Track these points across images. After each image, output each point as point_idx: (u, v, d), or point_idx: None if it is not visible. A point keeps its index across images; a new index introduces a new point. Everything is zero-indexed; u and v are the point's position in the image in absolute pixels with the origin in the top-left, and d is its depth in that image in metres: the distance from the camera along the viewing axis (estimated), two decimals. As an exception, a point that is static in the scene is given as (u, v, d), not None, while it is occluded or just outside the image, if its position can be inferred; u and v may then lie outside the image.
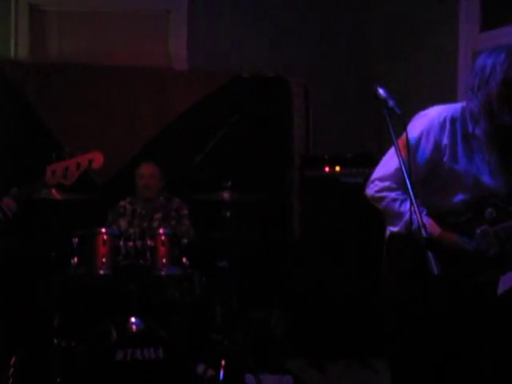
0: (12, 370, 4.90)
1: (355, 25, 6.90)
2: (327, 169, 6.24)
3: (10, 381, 4.85)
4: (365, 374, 5.74)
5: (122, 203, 6.00)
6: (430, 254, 2.52)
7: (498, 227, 3.08)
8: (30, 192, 4.17)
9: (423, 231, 2.58)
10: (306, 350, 6.02)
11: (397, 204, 3.27)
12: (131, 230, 5.70)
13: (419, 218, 2.63)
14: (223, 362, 5.08)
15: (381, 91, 3.05)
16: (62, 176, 4.12)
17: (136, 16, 6.85)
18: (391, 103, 2.98)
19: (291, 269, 6.40)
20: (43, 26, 6.69)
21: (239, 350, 5.41)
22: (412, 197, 2.69)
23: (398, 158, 2.79)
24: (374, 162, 6.12)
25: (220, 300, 5.45)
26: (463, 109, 3.24)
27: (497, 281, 3.06)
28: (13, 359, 4.96)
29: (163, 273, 5.12)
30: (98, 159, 4.17)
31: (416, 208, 2.66)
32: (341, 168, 6.22)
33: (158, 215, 5.94)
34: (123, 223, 5.88)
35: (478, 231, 3.11)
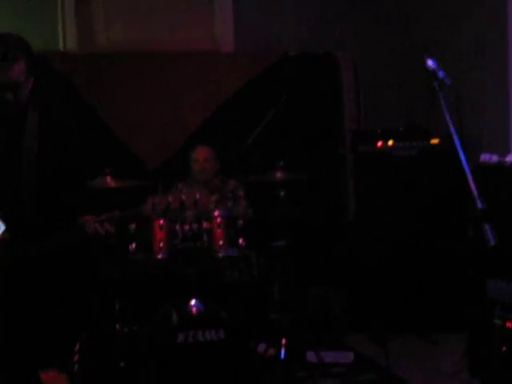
0: (76, 355, 4.99)
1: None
2: (380, 143, 6.18)
3: (75, 367, 4.93)
4: (425, 347, 5.71)
5: (179, 185, 6.04)
6: (486, 226, 2.50)
7: None
8: (123, 220, 4.04)
9: (478, 202, 2.56)
10: (365, 325, 6.02)
11: None
12: (188, 212, 5.75)
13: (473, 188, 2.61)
14: (284, 341, 5.10)
15: (430, 62, 3.02)
16: (162, 211, 3.93)
17: (181, 1, 6.85)
18: (441, 74, 2.96)
19: (347, 245, 6.38)
20: (89, 15, 6.74)
21: (299, 328, 5.43)
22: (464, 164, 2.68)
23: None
24: (426, 134, 6.13)
25: (278, 279, 5.47)
26: None
27: None
28: (77, 345, 5.04)
29: (220, 255, 5.13)
30: (203, 199, 3.98)
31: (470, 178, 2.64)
32: (393, 142, 6.16)
33: (214, 197, 5.95)
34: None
35: None
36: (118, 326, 5.00)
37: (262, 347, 5.23)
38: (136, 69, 6.52)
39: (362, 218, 6.33)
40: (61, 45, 6.55)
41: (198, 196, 3.99)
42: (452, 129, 2.82)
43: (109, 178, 5.14)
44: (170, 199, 3.93)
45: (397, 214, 6.10)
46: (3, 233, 3.69)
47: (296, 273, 5.53)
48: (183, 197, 3.95)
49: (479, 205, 2.56)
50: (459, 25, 6.24)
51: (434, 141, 6.01)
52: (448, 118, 2.86)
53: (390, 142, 6.16)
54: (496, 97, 5.74)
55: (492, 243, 2.47)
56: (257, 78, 6.67)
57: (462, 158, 2.72)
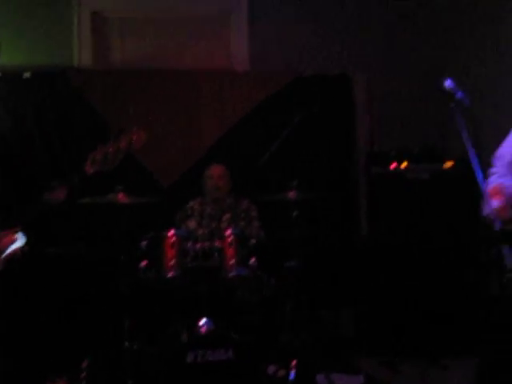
0: (84, 373, 4.95)
1: (416, 19, 6.80)
2: (393, 165, 6.15)
3: (83, 383, 4.90)
4: (435, 372, 5.65)
5: (190, 204, 6.02)
6: (505, 248, 2.47)
7: None
8: (70, 183, 4.08)
9: (497, 224, 2.53)
10: (376, 349, 5.96)
11: (488, 187, 3.23)
12: (200, 231, 5.74)
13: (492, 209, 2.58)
14: (294, 362, 5.05)
15: (448, 83, 3.00)
16: (102, 163, 4.03)
17: (197, 19, 6.87)
18: (459, 95, 2.94)
19: (360, 267, 6.34)
20: (105, 32, 6.78)
21: (310, 350, 5.38)
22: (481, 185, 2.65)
23: None
24: (440, 156, 6.11)
25: (289, 300, 5.43)
26: None
27: None
28: (85, 362, 5.01)
29: (232, 274, 5.11)
30: (139, 138, 4.07)
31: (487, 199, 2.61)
32: (407, 164, 6.13)
33: (227, 216, 5.94)
34: (192, 224, 5.90)
35: None
36: (126, 344, 4.96)
37: (271, 368, 5.18)
38: (151, 86, 6.54)
39: (375, 240, 6.29)
40: (76, 60, 6.56)
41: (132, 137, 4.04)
42: (469, 150, 2.79)
43: (121, 195, 5.12)
44: (109, 149, 3.98)
45: (410, 236, 6.06)
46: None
47: (308, 294, 5.49)
48: (119, 143, 4.01)
49: (497, 227, 2.52)
50: (478, 45, 6.22)
51: (448, 164, 5.99)
52: (465, 138, 2.83)
53: (404, 164, 6.13)
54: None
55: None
56: (271, 97, 6.65)
57: (480, 180, 2.68)
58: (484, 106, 3.33)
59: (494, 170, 3.39)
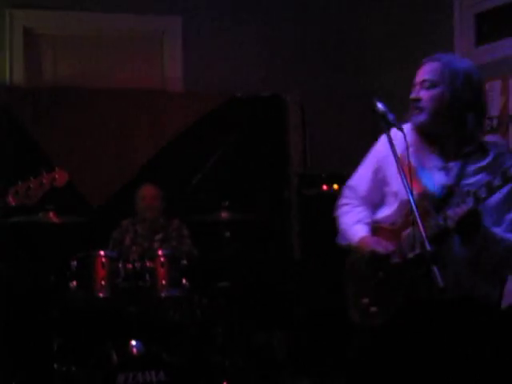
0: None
1: (351, 38, 6.90)
2: (325, 187, 6.22)
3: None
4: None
5: (124, 223, 5.98)
6: (434, 268, 2.50)
7: (418, 228, 2.80)
8: None
9: (427, 245, 2.56)
10: (308, 371, 5.97)
11: (342, 217, 3.39)
12: (134, 248, 5.71)
13: (422, 232, 2.61)
14: (225, 384, 5.05)
15: (379, 105, 3.03)
16: (24, 196, 4.05)
17: (130, 39, 6.84)
18: (391, 117, 2.98)
19: (292, 288, 6.36)
20: (38, 49, 6.68)
21: (241, 372, 5.37)
22: (415, 213, 2.68)
23: (402, 178, 2.80)
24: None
25: (221, 321, 5.42)
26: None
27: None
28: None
29: (163, 294, 5.09)
30: (61, 177, 4.10)
31: (419, 222, 2.65)
32: (338, 186, 6.19)
33: (159, 236, 5.92)
34: (127, 240, 5.87)
35: (403, 234, 3.04)
36: (56, 366, 4.89)
37: (203, 390, 5.17)
38: (83, 105, 6.45)
39: (307, 261, 6.32)
40: (7, 77, 6.46)
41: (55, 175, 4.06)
42: (401, 172, 2.82)
43: (51, 214, 5.06)
44: (30, 184, 4.00)
45: (341, 257, 6.08)
46: None
47: (240, 315, 5.48)
48: (42, 179, 4.02)
49: (428, 247, 2.55)
50: (408, 70, 6.31)
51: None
52: (396, 160, 2.86)
53: (335, 186, 6.19)
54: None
55: (441, 285, 2.47)
56: (205, 118, 6.64)
57: (412, 201, 2.72)
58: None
59: (345, 201, 3.41)
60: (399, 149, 2.96)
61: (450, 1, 5.96)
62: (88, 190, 6.38)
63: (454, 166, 2.98)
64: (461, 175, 2.97)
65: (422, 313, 2.99)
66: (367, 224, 3.25)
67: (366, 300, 3.12)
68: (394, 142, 2.95)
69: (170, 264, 5.15)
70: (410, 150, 2.97)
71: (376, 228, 3.22)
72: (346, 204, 3.40)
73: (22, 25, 6.54)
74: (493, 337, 3.02)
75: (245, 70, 6.84)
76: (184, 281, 5.14)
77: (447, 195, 2.97)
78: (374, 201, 3.32)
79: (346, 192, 3.44)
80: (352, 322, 3.25)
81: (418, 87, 3.10)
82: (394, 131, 3.02)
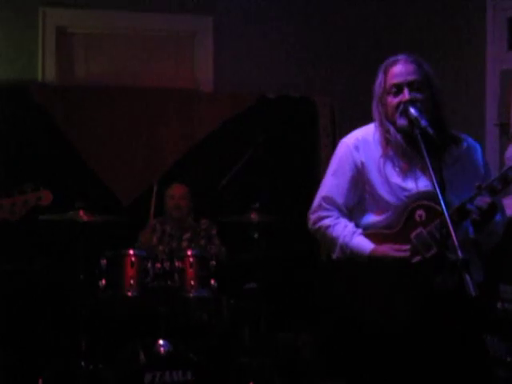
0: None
1: (382, 40, 6.86)
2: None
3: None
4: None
5: (152, 221, 6.00)
6: (466, 276, 2.50)
7: (431, 227, 3.02)
8: None
9: (459, 252, 2.55)
10: (336, 372, 5.95)
11: (329, 230, 3.30)
12: (160, 247, 5.73)
13: (455, 239, 2.61)
14: (252, 385, 5.05)
15: (412, 110, 3.04)
16: (8, 212, 4.04)
17: (162, 38, 6.88)
18: (423, 123, 2.97)
19: (319, 290, 6.34)
20: (70, 48, 6.72)
21: (268, 373, 5.37)
22: (446, 215, 2.69)
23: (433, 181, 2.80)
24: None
25: (248, 322, 5.42)
26: (376, 126, 3.30)
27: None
28: (39, 381, 4.95)
29: (191, 295, 5.10)
30: (46, 197, 4.10)
31: (451, 229, 2.64)
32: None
33: (187, 235, 5.93)
34: (153, 241, 5.88)
35: (413, 235, 3.05)
36: (83, 364, 4.91)
37: (229, 390, 5.17)
38: (115, 103, 6.49)
39: (332, 264, 6.28)
40: (40, 76, 6.51)
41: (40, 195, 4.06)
42: (433, 176, 2.83)
43: (81, 212, 5.09)
44: (15, 200, 3.99)
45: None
46: None
47: (267, 316, 5.48)
48: (27, 197, 4.02)
49: (461, 254, 2.55)
50: (438, 72, 6.28)
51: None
52: (429, 164, 2.86)
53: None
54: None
55: (473, 294, 2.47)
56: (235, 118, 6.65)
57: (443, 207, 2.71)
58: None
59: (324, 213, 3.33)
60: (375, 155, 3.14)
61: (482, 4, 5.92)
62: (118, 189, 6.42)
63: (434, 161, 2.95)
64: (444, 167, 2.99)
65: (440, 307, 3.04)
66: (361, 233, 3.23)
67: (380, 305, 3.11)
68: (367, 147, 3.19)
69: (199, 264, 5.16)
70: (392, 154, 3.14)
71: (369, 235, 3.21)
72: (327, 216, 3.32)
73: (54, 23, 6.58)
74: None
75: (275, 70, 6.83)
76: (212, 281, 5.14)
77: (442, 190, 2.93)
78: (349, 207, 3.32)
79: (323, 204, 3.35)
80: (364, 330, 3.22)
81: (406, 88, 3.13)
82: (363, 134, 3.27)
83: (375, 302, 3.11)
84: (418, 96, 3.11)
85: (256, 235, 5.44)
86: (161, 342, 4.79)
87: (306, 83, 6.86)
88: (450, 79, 6.06)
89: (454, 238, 2.60)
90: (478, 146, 3.26)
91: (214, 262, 5.20)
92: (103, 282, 5.05)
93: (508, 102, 5.55)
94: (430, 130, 2.95)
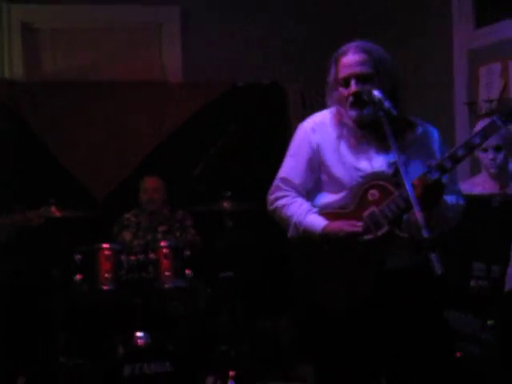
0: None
1: (348, 23, 6.85)
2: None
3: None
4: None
5: (126, 215, 6.00)
6: (432, 255, 2.54)
7: (383, 206, 3.05)
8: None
9: (424, 231, 2.58)
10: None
11: (284, 209, 3.34)
12: (135, 242, 5.73)
13: (420, 219, 2.64)
14: (232, 373, 5.06)
15: (376, 92, 3.06)
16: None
17: (128, 30, 6.83)
18: (387, 104, 3.00)
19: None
20: (36, 44, 6.68)
21: (247, 360, 5.39)
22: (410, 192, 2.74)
23: (396, 156, 2.89)
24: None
25: (225, 310, 5.43)
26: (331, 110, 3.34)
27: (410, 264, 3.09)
28: (20, 380, 4.94)
29: (167, 285, 5.12)
30: (35, 219, 4.07)
31: (416, 208, 2.68)
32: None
33: (162, 227, 5.93)
34: (128, 235, 5.87)
35: (365, 214, 3.09)
36: (62, 359, 4.91)
37: (210, 380, 5.18)
38: (83, 98, 6.45)
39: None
40: (7, 73, 6.46)
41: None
42: (397, 156, 2.86)
43: (54, 208, 5.08)
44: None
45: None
46: None
47: (244, 303, 5.49)
48: (16, 218, 4.02)
49: (426, 233, 2.58)
50: (403, 54, 6.31)
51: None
52: (393, 145, 2.89)
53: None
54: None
55: (439, 272, 2.50)
56: (205, 107, 6.63)
57: (408, 187, 2.75)
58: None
59: (281, 193, 3.38)
60: (330, 137, 3.22)
61: (448, -18, 5.93)
62: (90, 183, 6.40)
63: (391, 144, 2.99)
64: (400, 150, 3.00)
65: (389, 284, 3.08)
66: (316, 212, 3.26)
67: (333, 285, 3.14)
68: (323, 129, 3.26)
69: (173, 255, 5.18)
70: (346, 136, 3.21)
71: (324, 214, 3.23)
72: (284, 196, 3.37)
73: (19, 19, 6.54)
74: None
75: (244, 59, 6.81)
76: (187, 271, 5.16)
77: (396, 171, 3.03)
78: (307, 188, 3.35)
79: (280, 185, 3.41)
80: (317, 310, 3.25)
81: (353, 81, 3.16)
82: (321, 118, 3.32)
83: (328, 280, 3.16)
84: (366, 87, 3.12)
85: (230, 223, 5.46)
86: (138, 333, 4.80)
87: (276, 70, 6.84)
88: (417, 60, 6.09)
89: (418, 215, 2.64)
90: (434, 131, 3.29)
91: (188, 252, 5.21)
92: (78, 276, 5.05)
93: (476, 81, 5.57)
94: (394, 112, 2.97)
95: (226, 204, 5.42)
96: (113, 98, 6.54)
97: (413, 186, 2.85)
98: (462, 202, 3.24)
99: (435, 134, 3.28)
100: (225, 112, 6.62)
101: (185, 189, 6.35)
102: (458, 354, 4.12)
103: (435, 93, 5.85)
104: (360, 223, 3.08)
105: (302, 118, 3.44)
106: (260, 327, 6.17)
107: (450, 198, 3.14)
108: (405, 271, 3.08)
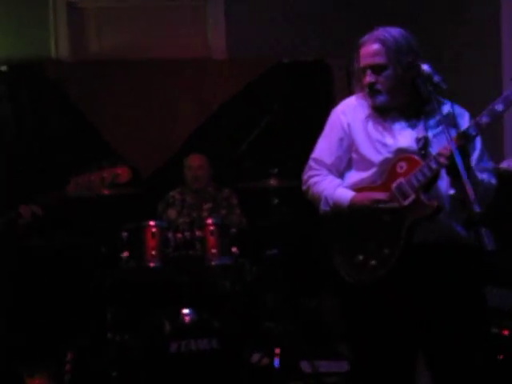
0: (68, 365, 4.94)
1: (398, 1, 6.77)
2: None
3: (67, 376, 4.89)
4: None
5: (171, 193, 6.01)
6: (482, 230, 2.51)
7: (409, 176, 3.08)
8: (48, 202, 4.12)
9: (476, 206, 2.55)
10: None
11: (316, 186, 3.44)
12: (180, 220, 5.73)
13: (470, 193, 2.62)
14: (278, 350, 5.06)
15: (425, 67, 3.05)
16: (86, 188, 4.05)
17: (173, 8, 6.83)
18: (436, 78, 2.98)
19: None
20: (82, 23, 6.72)
21: (293, 337, 5.39)
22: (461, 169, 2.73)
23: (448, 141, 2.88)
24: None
25: (271, 288, 5.43)
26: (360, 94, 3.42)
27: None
28: (69, 355, 4.99)
29: (213, 263, 5.11)
30: (124, 174, 4.06)
31: (467, 183, 2.65)
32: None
33: (208, 205, 5.93)
34: (173, 213, 5.89)
35: (393, 186, 3.13)
36: (109, 335, 4.95)
37: (255, 357, 5.20)
38: (128, 76, 6.49)
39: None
40: (53, 52, 6.51)
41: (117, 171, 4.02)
42: (448, 134, 2.83)
43: (100, 186, 5.10)
44: (92, 177, 3.98)
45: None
46: None
47: (289, 281, 5.48)
48: (104, 174, 3.99)
49: (477, 209, 2.55)
50: (457, 28, 6.22)
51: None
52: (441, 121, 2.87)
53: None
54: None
55: (489, 248, 2.47)
56: (251, 85, 6.62)
57: (459, 163, 2.71)
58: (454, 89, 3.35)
59: (313, 172, 3.48)
60: (359, 117, 3.32)
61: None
62: (136, 162, 6.41)
63: (417, 122, 3.18)
64: (427, 128, 3.15)
65: (419, 257, 3.12)
66: (347, 187, 3.34)
67: (361, 257, 3.20)
68: (353, 111, 3.37)
69: (220, 232, 5.17)
70: (373, 115, 3.30)
71: (355, 190, 3.30)
72: (316, 175, 3.46)
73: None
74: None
75: (288, 35, 6.76)
76: (234, 249, 5.16)
77: (424, 146, 3.13)
78: (340, 169, 3.44)
79: (312, 164, 3.50)
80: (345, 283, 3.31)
81: (369, 71, 3.25)
82: (351, 101, 3.44)
83: (357, 252, 3.23)
84: (377, 77, 3.23)
85: (276, 201, 5.44)
86: (185, 310, 4.81)
87: (321, 46, 6.79)
88: (466, 36, 6.01)
89: (469, 191, 2.62)
90: (465, 113, 3.30)
91: (234, 230, 5.21)
92: (125, 254, 5.08)
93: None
94: (444, 86, 2.97)
95: (272, 181, 5.40)
96: (157, 76, 6.56)
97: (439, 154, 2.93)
98: (493, 180, 3.23)
99: (466, 116, 3.28)
100: (270, 89, 6.60)
101: (230, 167, 6.35)
102: (506, 333, 4.07)
103: (483, 69, 5.76)
104: (385, 195, 3.15)
105: (348, 94, 3.43)
106: (304, 305, 6.16)
107: (481, 175, 3.13)
108: (436, 245, 3.11)
